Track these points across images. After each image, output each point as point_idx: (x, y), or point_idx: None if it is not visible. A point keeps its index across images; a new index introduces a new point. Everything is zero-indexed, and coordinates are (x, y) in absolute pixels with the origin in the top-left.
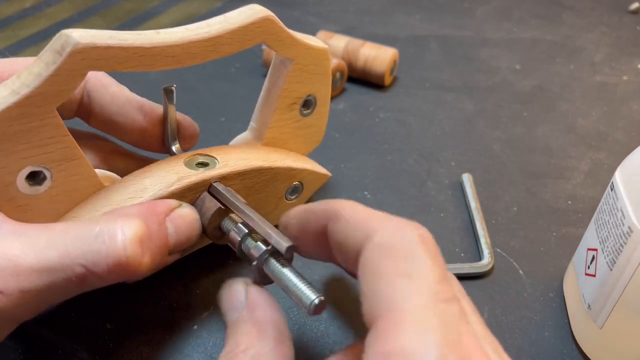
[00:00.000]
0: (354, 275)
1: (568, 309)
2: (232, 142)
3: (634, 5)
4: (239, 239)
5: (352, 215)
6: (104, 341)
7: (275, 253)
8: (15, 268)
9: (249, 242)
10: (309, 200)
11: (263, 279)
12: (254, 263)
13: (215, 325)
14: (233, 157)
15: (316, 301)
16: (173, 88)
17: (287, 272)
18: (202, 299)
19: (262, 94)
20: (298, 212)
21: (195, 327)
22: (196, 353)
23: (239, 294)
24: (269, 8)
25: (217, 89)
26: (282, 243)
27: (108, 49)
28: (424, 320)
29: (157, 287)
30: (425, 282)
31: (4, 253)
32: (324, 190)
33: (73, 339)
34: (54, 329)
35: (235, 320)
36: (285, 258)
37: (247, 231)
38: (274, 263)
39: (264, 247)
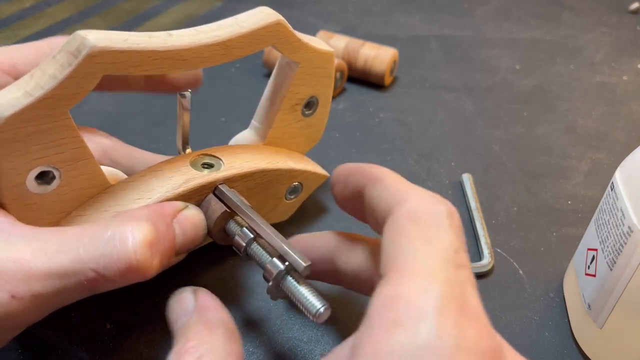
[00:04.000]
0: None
1: (568, 309)
2: (234, 139)
3: (634, 5)
4: (244, 244)
5: (389, 181)
6: (104, 341)
7: (290, 269)
8: (27, 273)
9: (261, 252)
10: (307, 200)
11: (279, 294)
12: (272, 281)
13: None
14: (238, 159)
15: (322, 309)
16: (188, 93)
17: (300, 288)
18: None
19: (265, 93)
20: (346, 169)
21: None
22: None
23: (188, 301)
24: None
25: (218, 89)
26: (301, 263)
27: (122, 52)
28: (431, 275)
29: (157, 287)
30: (441, 247)
31: (15, 258)
32: (324, 191)
33: (73, 339)
34: (54, 329)
35: (184, 323)
36: (301, 274)
37: (252, 236)
38: (290, 280)
39: (281, 266)
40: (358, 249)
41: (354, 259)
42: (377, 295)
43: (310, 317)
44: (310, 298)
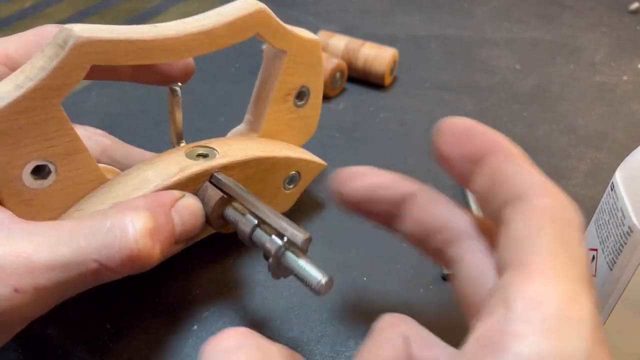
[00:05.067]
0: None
1: None
2: (229, 135)
3: (634, 5)
4: (249, 230)
5: (524, 162)
6: (104, 341)
7: (290, 244)
8: (29, 266)
9: (261, 234)
10: (307, 195)
11: (280, 272)
12: (271, 258)
13: (215, 325)
14: (232, 148)
15: (323, 281)
16: (178, 87)
17: (300, 262)
18: (202, 299)
19: (256, 86)
20: (468, 126)
21: (195, 327)
22: (196, 353)
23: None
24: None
25: (217, 89)
26: (299, 235)
27: (108, 42)
28: (577, 288)
29: (157, 286)
30: (580, 260)
31: (17, 252)
32: (324, 190)
33: (73, 339)
34: (54, 329)
35: None
36: (300, 248)
37: (256, 222)
38: (290, 255)
39: (280, 242)
40: (437, 206)
41: (429, 214)
42: (515, 289)
43: (312, 290)
44: (311, 271)
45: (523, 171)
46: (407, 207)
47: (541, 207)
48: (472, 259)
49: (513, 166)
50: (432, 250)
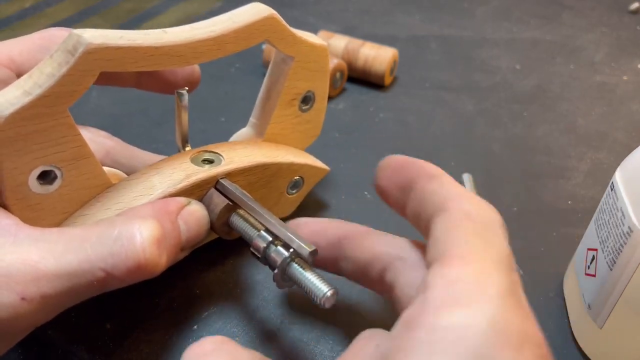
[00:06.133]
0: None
1: (568, 309)
2: (233, 137)
3: (634, 5)
4: (264, 246)
5: (446, 180)
6: (104, 341)
7: (295, 255)
8: (36, 274)
9: (271, 247)
10: (308, 195)
11: (285, 283)
12: (277, 269)
13: (215, 325)
14: (238, 154)
15: (328, 293)
16: (185, 91)
17: (306, 273)
18: (202, 299)
19: (262, 90)
20: (400, 161)
21: (196, 327)
22: None
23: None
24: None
25: (217, 89)
26: (305, 248)
27: (118, 49)
28: (490, 267)
29: (157, 287)
30: (497, 249)
31: (23, 259)
32: (324, 190)
33: (73, 339)
34: (54, 329)
35: None
36: (306, 260)
37: (270, 239)
38: (295, 267)
39: (286, 253)
40: (370, 240)
41: (363, 249)
42: (434, 275)
43: (318, 302)
44: (316, 283)
45: (444, 187)
46: (343, 247)
47: (458, 210)
48: (405, 277)
49: (434, 185)
50: (372, 282)
